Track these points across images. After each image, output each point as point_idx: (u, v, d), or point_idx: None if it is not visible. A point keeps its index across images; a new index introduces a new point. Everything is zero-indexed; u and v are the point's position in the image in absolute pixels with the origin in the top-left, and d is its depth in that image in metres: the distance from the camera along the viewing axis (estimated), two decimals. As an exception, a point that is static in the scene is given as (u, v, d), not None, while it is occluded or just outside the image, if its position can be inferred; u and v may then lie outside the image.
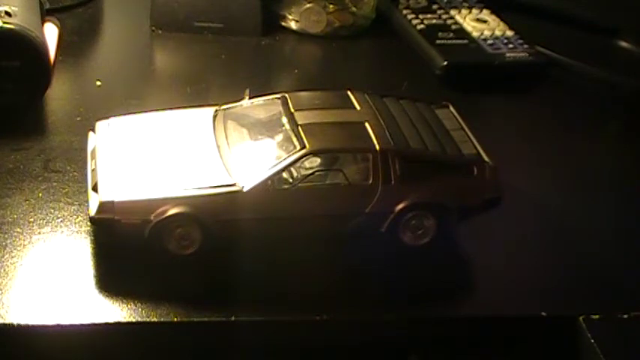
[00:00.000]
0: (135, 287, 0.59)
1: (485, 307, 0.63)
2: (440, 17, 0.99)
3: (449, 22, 0.98)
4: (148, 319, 0.57)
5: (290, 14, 0.98)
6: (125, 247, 0.61)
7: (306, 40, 0.97)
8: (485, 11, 1.01)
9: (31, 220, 0.64)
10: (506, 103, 0.89)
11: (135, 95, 0.82)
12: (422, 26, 0.96)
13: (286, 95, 0.67)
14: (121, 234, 0.60)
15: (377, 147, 0.62)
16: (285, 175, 0.62)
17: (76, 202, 0.66)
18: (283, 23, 0.98)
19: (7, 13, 0.71)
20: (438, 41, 0.93)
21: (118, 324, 0.57)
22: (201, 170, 0.62)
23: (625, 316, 0.62)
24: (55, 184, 0.68)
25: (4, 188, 0.67)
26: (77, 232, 0.64)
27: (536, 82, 0.94)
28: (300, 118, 0.64)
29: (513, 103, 0.90)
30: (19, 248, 0.61)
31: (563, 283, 0.65)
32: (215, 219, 0.60)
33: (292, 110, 0.65)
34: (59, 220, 0.65)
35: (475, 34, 0.96)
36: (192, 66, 0.90)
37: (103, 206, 0.60)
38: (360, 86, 0.70)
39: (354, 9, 0.98)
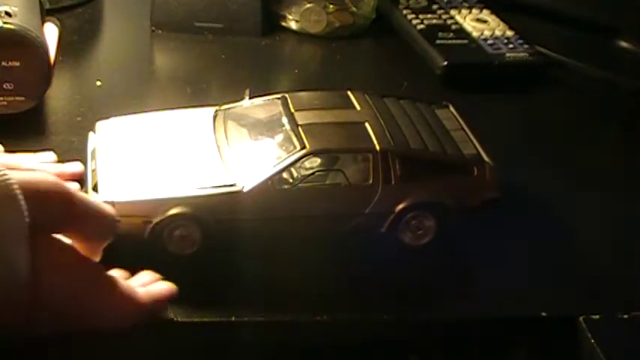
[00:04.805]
0: (135, 287, 0.59)
1: (485, 307, 0.63)
2: (440, 17, 0.99)
3: (449, 22, 0.98)
4: (148, 320, 0.57)
5: (290, 14, 0.98)
6: (125, 247, 0.61)
7: (306, 40, 0.97)
8: (485, 11, 1.01)
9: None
10: (506, 103, 0.89)
11: (135, 95, 0.82)
12: (422, 26, 0.96)
13: (286, 95, 0.67)
14: (121, 234, 0.60)
15: (377, 147, 0.62)
16: (285, 175, 0.62)
17: (76, 202, 0.66)
18: (283, 23, 0.98)
19: (7, 13, 0.71)
20: (438, 41, 0.93)
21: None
22: (202, 170, 0.62)
23: (625, 316, 0.62)
24: (55, 184, 0.68)
25: (4, 188, 0.67)
26: (77, 232, 0.64)
27: (536, 82, 0.94)
28: (301, 118, 0.64)
29: (513, 103, 0.90)
30: (19, 248, 0.61)
31: (563, 283, 0.65)
32: (215, 219, 0.60)
33: (292, 110, 0.65)
34: (59, 220, 0.64)
35: (475, 34, 0.96)
36: (192, 66, 0.90)
37: (103, 206, 0.60)
38: (360, 86, 0.70)
39: (354, 9, 0.98)
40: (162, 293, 0.57)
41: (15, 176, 0.48)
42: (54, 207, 0.51)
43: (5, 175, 0.48)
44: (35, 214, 0.48)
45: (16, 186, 0.48)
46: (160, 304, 0.56)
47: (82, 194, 0.53)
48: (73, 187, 0.60)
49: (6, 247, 0.47)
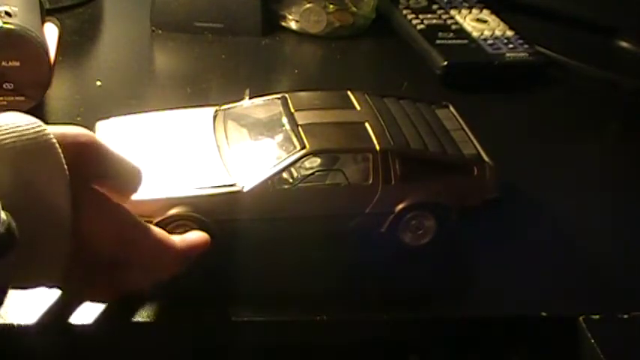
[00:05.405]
0: (135, 287, 0.59)
1: (485, 307, 0.63)
2: (440, 17, 0.99)
3: (449, 22, 0.98)
4: (147, 320, 0.57)
5: (290, 14, 0.98)
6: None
7: (306, 40, 0.97)
8: (485, 11, 1.01)
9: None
10: (506, 103, 0.89)
11: (135, 95, 0.82)
12: (422, 26, 0.96)
13: (286, 95, 0.67)
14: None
15: (377, 147, 0.62)
16: (285, 175, 0.62)
17: (76, 202, 0.66)
18: (283, 23, 0.98)
19: (7, 13, 0.71)
20: (438, 41, 0.93)
21: (118, 324, 0.57)
22: (201, 170, 0.62)
23: (625, 316, 0.62)
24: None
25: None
26: (77, 232, 0.64)
27: (536, 82, 0.94)
28: (300, 118, 0.64)
29: (513, 103, 0.90)
30: (19, 248, 0.61)
31: (563, 283, 0.65)
32: (215, 219, 0.60)
33: (292, 110, 0.65)
34: (59, 220, 0.64)
35: (475, 34, 0.96)
36: (192, 66, 0.90)
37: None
38: (360, 86, 0.70)
39: (354, 9, 0.98)
40: (196, 240, 0.57)
41: (50, 129, 0.49)
42: (88, 158, 0.52)
43: (40, 126, 0.48)
44: (72, 165, 0.49)
45: (51, 136, 0.48)
46: (195, 250, 0.57)
47: (110, 148, 0.54)
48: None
49: (48, 196, 0.48)
